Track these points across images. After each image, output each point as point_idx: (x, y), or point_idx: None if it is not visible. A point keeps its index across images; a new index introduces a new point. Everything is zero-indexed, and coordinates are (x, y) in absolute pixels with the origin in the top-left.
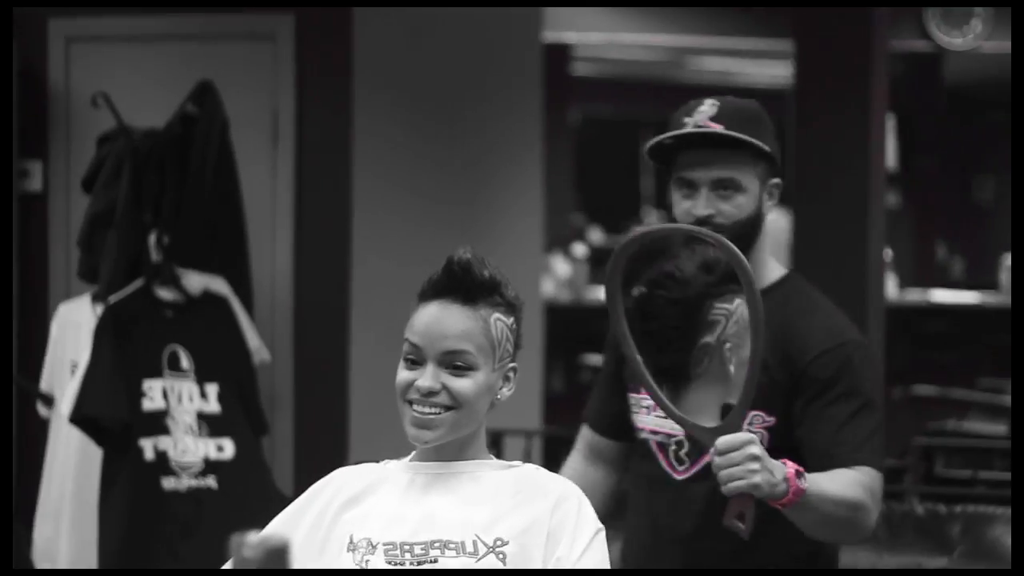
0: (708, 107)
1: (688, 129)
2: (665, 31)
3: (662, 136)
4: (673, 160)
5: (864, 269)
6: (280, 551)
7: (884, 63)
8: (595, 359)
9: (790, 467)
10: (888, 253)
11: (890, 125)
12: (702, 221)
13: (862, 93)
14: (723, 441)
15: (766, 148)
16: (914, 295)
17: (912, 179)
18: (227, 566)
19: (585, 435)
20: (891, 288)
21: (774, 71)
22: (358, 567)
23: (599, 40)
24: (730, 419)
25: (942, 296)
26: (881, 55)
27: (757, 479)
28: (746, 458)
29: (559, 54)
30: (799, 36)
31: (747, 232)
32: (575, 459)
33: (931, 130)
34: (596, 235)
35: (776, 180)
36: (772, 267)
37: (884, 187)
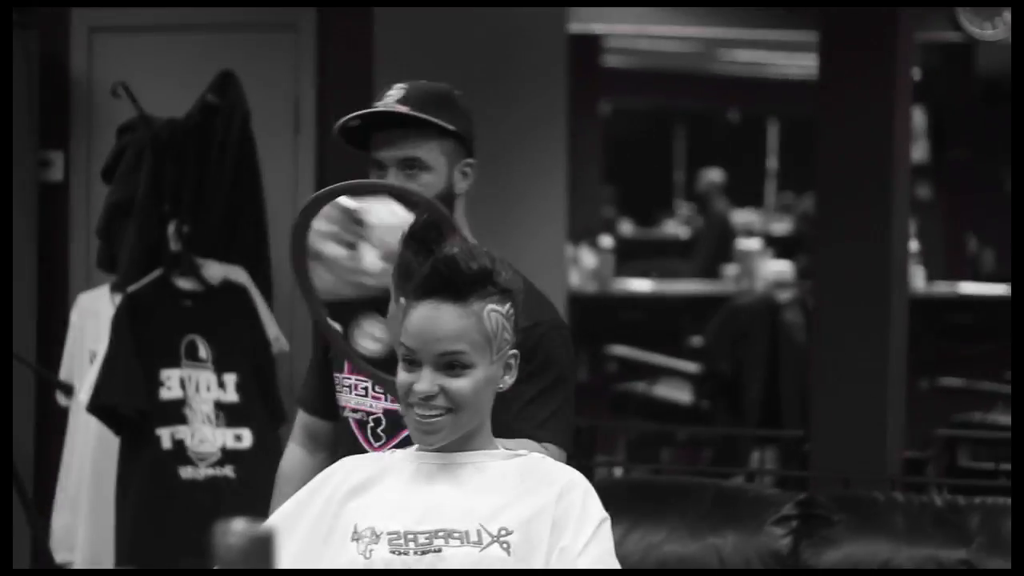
0: (396, 91)
1: (369, 110)
2: (695, 23)
3: (346, 118)
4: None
5: (888, 262)
6: (264, 540)
7: (910, 53)
8: (621, 349)
9: None
10: (914, 245)
11: (921, 117)
12: None
13: (887, 84)
14: None
15: (448, 127)
16: (942, 287)
17: (944, 171)
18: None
19: (301, 419)
20: (919, 280)
21: (804, 62)
22: (362, 556)
23: (629, 32)
24: None
25: (970, 288)
26: (907, 45)
27: None
28: None
29: (589, 46)
30: (824, 27)
31: None
32: (292, 449)
33: (963, 122)
34: (627, 227)
35: (469, 160)
36: None
37: (909, 179)
